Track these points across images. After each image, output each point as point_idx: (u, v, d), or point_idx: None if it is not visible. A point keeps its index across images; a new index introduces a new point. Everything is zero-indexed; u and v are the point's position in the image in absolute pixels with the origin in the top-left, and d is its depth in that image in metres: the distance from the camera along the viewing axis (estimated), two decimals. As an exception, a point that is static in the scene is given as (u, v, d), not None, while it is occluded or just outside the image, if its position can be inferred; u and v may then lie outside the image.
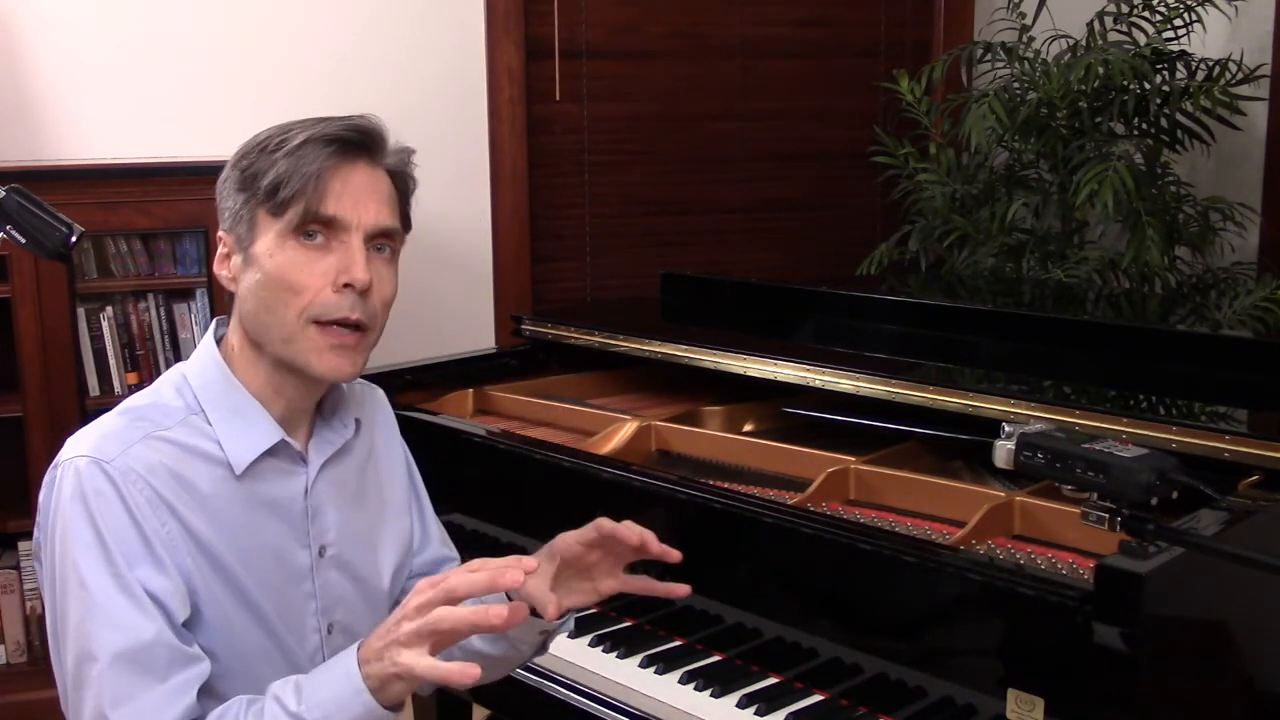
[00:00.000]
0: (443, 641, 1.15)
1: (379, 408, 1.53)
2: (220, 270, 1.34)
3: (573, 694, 1.72)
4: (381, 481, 1.50)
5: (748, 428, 2.21)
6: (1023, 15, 3.28)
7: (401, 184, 1.36)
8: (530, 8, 3.50)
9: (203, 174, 2.66)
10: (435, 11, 3.42)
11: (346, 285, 1.28)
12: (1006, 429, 1.39)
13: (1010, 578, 1.41)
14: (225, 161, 1.34)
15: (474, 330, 3.52)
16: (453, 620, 1.13)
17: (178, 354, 3.02)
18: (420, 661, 1.13)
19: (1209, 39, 3.12)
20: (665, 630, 1.79)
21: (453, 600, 1.14)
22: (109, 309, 2.99)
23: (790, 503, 1.75)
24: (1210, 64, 3.07)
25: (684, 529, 1.73)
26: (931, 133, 3.50)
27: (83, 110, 3.14)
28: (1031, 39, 3.26)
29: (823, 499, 1.79)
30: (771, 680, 1.65)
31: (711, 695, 1.63)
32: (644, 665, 1.72)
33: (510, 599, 1.23)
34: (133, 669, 1.20)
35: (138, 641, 1.21)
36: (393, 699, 1.16)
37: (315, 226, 1.28)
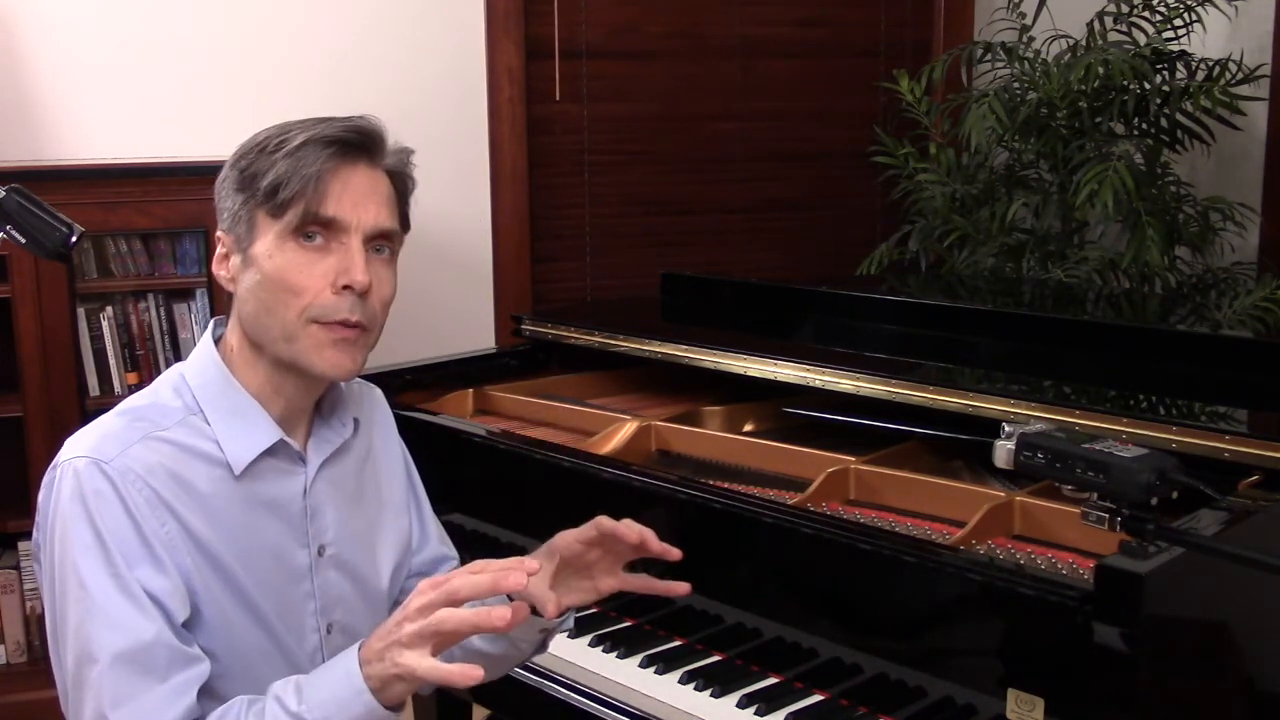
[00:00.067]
0: (444, 643, 1.15)
1: (377, 407, 1.53)
2: (219, 270, 1.34)
3: (573, 694, 1.72)
4: (380, 481, 1.50)
5: (748, 428, 2.21)
6: (1023, 15, 3.28)
7: (401, 185, 1.35)
8: (530, 8, 3.50)
9: (202, 174, 2.64)
10: (435, 11, 3.42)
11: (346, 287, 1.28)
12: (1006, 429, 1.39)
13: (1010, 578, 1.41)
14: (225, 161, 1.33)
15: (474, 330, 3.52)
16: (455, 622, 1.13)
17: (178, 354, 3.02)
18: (422, 663, 1.13)
19: (1209, 39, 3.12)
20: (665, 630, 1.79)
21: (455, 602, 1.15)
22: (109, 309, 2.99)
23: (790, 503, 1.75)
24: (1210, 64, 3.07)
25: (684, 529, 1.73)
26: (931, 133, 3.49)
27: (83, 110, 3.14)
28: (1031, 39, 3.26)
29: (823, 499, 1.79)
30: (771, 680, 1.65)
31: (711, 695, 1.63)
32: (644, 665, 1.72)
33: (511, 599, 1.23)
34: (133, 669, 1.20)
35: (137, 642, 1.21)
36: (393, 699, 1.16)
37: (315, 228, 1.28)
